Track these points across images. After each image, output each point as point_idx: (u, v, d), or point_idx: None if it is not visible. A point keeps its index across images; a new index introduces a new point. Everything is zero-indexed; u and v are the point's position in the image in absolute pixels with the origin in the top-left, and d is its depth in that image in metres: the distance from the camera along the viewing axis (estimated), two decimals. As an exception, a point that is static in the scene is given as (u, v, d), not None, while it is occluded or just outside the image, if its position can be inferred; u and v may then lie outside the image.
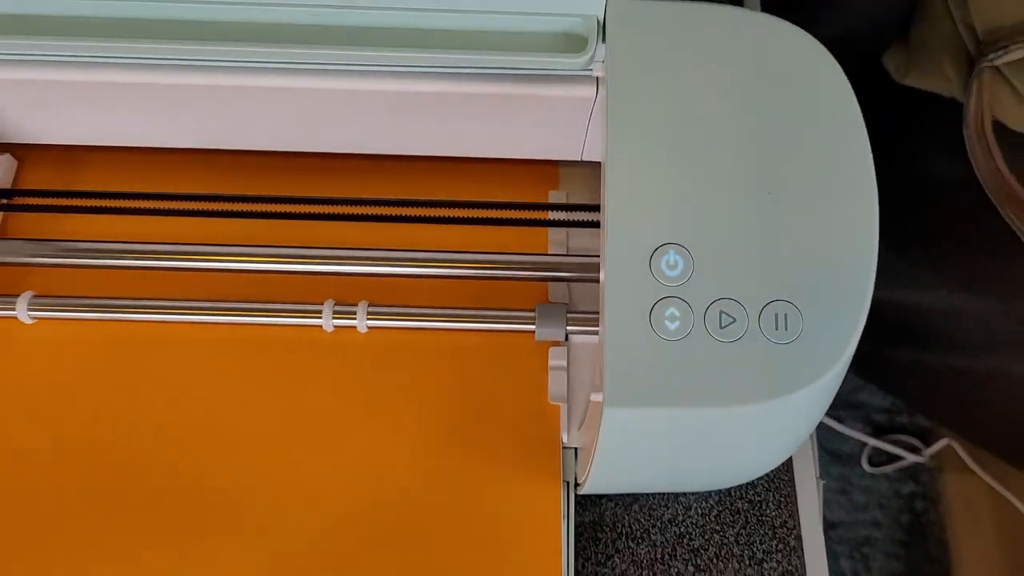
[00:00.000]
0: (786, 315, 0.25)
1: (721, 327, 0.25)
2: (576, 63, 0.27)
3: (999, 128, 0.71)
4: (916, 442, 1.06)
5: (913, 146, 0.75)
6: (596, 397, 0.26)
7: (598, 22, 0.27)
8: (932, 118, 0.75)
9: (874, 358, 0.93)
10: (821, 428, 1.08)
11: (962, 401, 0.90)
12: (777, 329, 0.25)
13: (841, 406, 1.10)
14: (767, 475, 0.36)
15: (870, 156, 0.28)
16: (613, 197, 0.26)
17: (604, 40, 0.27)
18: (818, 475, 0.36)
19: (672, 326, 0.25)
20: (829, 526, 0.93)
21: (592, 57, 0.27)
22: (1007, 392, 0.80)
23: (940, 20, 0.73)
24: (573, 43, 0.27)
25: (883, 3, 0.71)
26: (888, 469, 1.05)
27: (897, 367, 0.95)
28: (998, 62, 0.69)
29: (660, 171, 0.26)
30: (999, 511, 1.03)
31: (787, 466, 0.36)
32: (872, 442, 1.05)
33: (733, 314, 0.25)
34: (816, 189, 0.27)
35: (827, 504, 1.01)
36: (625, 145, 0.27)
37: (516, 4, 0.27)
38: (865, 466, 1.06)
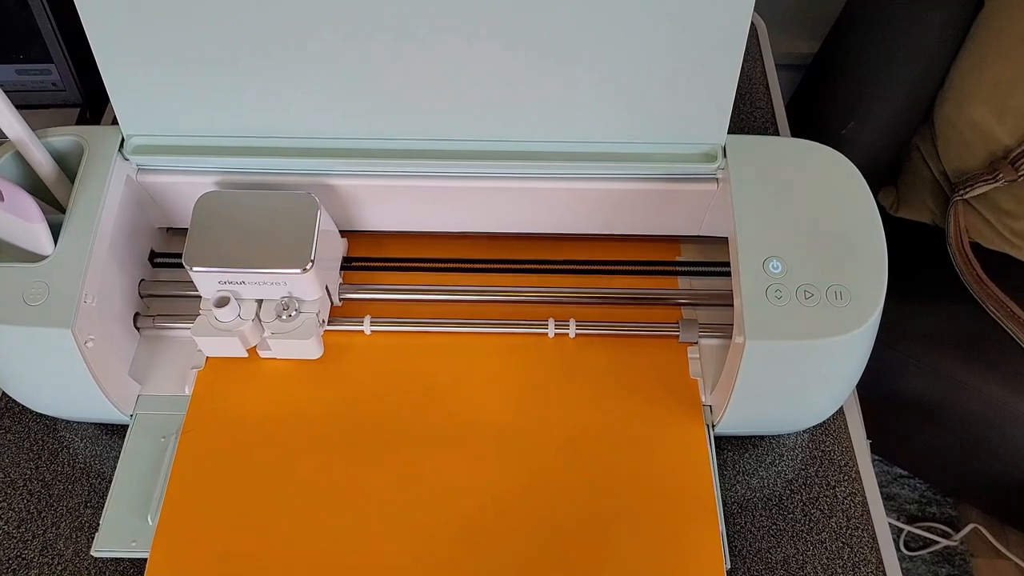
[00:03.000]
0: (840, 292, 0.44)
1: (805, 299, 0.44)
2: (710, 168, 0.49)
3: (975, 245, 0.92)
4: (946, 528, 1.18)
5: (909, 263, 0.94)
6: (738, 339, 0.45)
7: (722, 147, 0.49)
8: (921, 242, 0.96)
9: (905, 447, 1.07)
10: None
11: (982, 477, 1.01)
12: (837, 299, 0.44)
13: (876, 497, 1.23)
14: (832, 431, 0.54)
15: (878, 216, 0.48)
16: (741, 235, 0.46)
17: (725, 156, 0.49)
18: (864, 430, 0.54)
19: (778, 298, 0.44)
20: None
21: (718, 166, 0.50)
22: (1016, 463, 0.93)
23: (919, 168, 0.97)
24: (707, 157, 0.49)
25: (874, 155, 0.94)
26: (924, 553, 1.17)
27: (924, 454, 1.08)
28: (967, 196, 0.92)
29: (764, 222, 0.47)
30: (1028, 587, 1.14)
31: (843, 425, 0.55)
32: (908, 528, 1.18)
33: (811, 292, 0.44)
34: (851, 231, 0.47)
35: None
36: (744, 212, 0.47)
37: (677, 136, 0.49)
38: (903, 551, 1.17)
